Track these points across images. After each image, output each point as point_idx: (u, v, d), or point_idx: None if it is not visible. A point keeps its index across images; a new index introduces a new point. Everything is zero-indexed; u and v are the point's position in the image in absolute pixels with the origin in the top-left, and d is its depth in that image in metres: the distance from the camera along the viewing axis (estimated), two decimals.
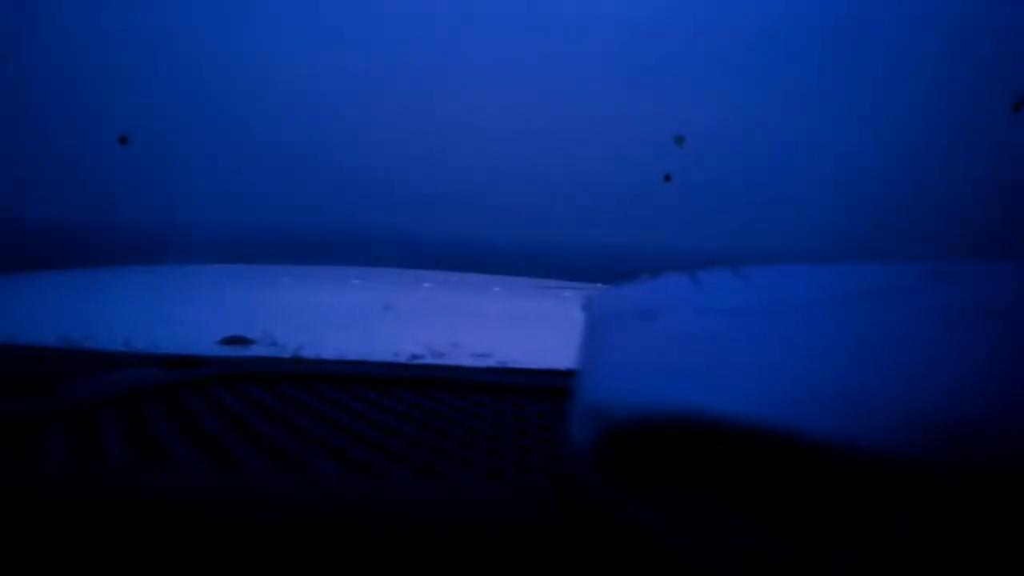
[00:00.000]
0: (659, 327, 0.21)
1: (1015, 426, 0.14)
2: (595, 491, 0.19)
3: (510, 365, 0.54)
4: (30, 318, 0.76)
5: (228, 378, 0.39)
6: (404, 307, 0.97)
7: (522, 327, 0.92)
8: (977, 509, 0.14)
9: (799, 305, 0.19)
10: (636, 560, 0.18)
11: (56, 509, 0.22)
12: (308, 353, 0.57)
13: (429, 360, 0.58)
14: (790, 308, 0.19)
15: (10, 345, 0.50)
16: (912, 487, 0.15)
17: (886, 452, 0.15)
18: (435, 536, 0.22)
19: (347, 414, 0.34)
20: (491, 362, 0.58)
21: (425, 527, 0.22)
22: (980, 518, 0.14)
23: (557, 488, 0.24)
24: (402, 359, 0.58)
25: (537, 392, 0.39)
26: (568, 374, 0.24)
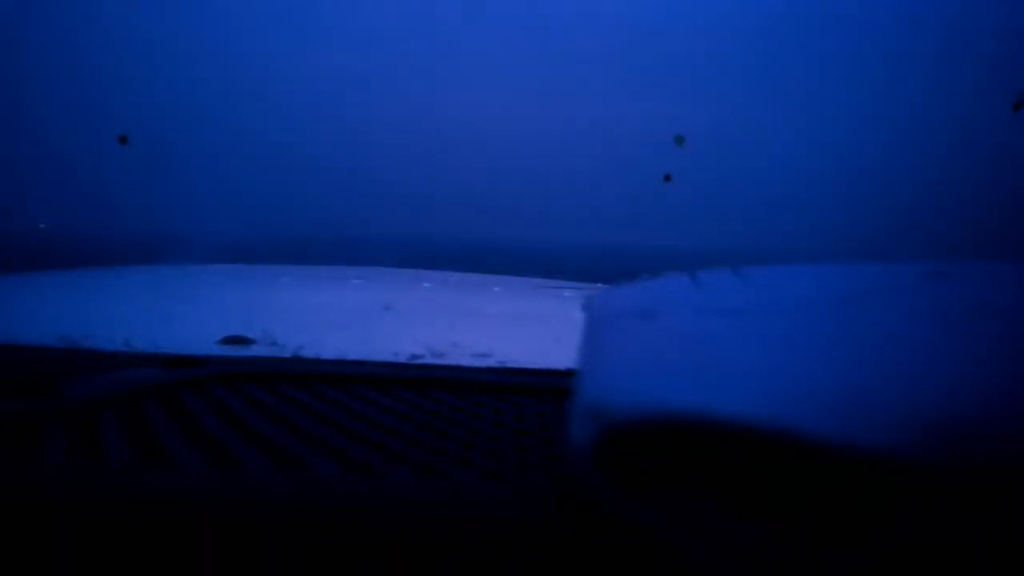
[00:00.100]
0: (659, 327, 0.21)
1: (1015, 426, 0.14)
2: (595, 491, 0.19)
3: (510, 365, 0.54)
4: (30, 318, 0.76)
5: (228, 378, 0.39)
6: (404, 307, 0.97)
7: (522, 327, 0.92)
8: (977, 509, 0.14)
9: (799, 305, 0.19)
10: (636, 560, 0.18)
11: (56, 509, 0.22)
12: (308, 353, 0.57)
13: (429, 360, 0.58)
14: (790, 308, 0.19)
15: (10, 345, 0.50)
16: (912, 487, 0.15)
17: (886, 452, 0.15)
18: (435, 536, 0.22)
19: (347, 414, 0.34)
20: (491, 362, 0.58)
21: (425, 527, 0.22)
22: (980, 518, 0.14)
23: (557, 488, 0.24)
24: (402, 359, 0.58)
25: (537, 392, 0.39)
26: (568, 374, 0.24)
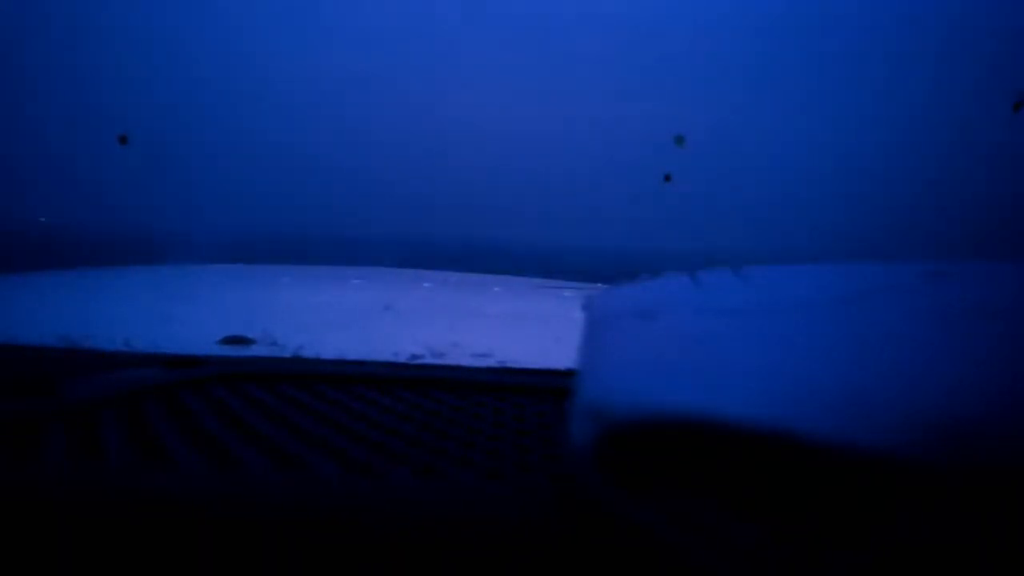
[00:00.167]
0: (659, 327, 0.21)
1: (1015, 426, 0.14)
2: (595, 491, 0.19)
3: (510, 365, 0.54)
4: (30, 318, 0.76)
5: (228, 378, 0.39)
6: (404, 307, 0.97)
7: (522, 327, 0.92)
8: (977, 509, 0.14)
9: (799, 305, 0.19)
10: (636, 560, 0.18)
11: (56, 509, 0.22)
12: (308, 353, 0.57)
13: (429, 360, 0.58)
14: (790, 308, 0.19)
15: (10, 345, 0.50)
16: (912, 487, 0.15)
17: (886, 452, 0.15)
18: (435, 536, 0.22)
19: (347, 414, 0.34)
20: (491, 362, 0.59)
21: (425, 527, 0.22)
22: (980, 518, 0.14)
23: (557, 488, 0.24)
24: (402, 359, 0.58)
25: (537, 392, 0.39)
26: (568, 374, 0.24)
